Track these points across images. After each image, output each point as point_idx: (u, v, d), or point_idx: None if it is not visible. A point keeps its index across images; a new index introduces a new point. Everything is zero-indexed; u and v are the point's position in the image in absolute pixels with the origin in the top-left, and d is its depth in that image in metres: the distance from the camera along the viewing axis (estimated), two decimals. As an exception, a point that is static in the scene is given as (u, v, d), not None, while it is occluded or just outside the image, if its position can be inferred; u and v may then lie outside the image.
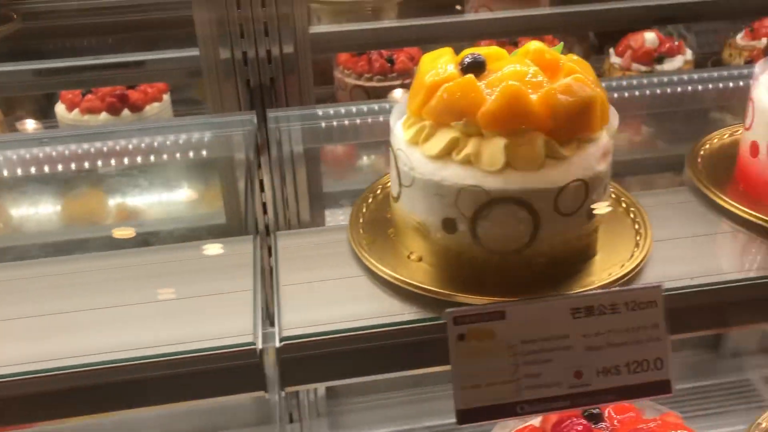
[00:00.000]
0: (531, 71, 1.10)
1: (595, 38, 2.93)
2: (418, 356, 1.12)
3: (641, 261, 1.18)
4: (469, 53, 1.14)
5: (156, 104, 2.43)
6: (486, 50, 1.17)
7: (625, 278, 1.15)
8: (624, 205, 1.33)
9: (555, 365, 1.07)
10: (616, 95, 1.73)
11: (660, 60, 2.58)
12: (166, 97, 2.48)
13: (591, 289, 1.11)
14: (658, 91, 1.79)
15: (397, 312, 1.12)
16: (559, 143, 1.09)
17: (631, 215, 1.31)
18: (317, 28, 2.04)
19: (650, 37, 2.61)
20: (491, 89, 1.09)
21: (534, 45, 1.15)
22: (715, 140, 1.50)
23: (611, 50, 2.69)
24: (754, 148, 1.32)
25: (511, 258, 1.13)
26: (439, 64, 1.14)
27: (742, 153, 1.35)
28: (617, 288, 1.12)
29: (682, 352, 2.38)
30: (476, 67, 1.12)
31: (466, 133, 1.10)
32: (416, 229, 1.18)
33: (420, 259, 1.21)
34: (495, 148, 1.07)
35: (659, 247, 1.23)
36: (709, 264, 1.22)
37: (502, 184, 1.09)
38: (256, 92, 1.61)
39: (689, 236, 1.28)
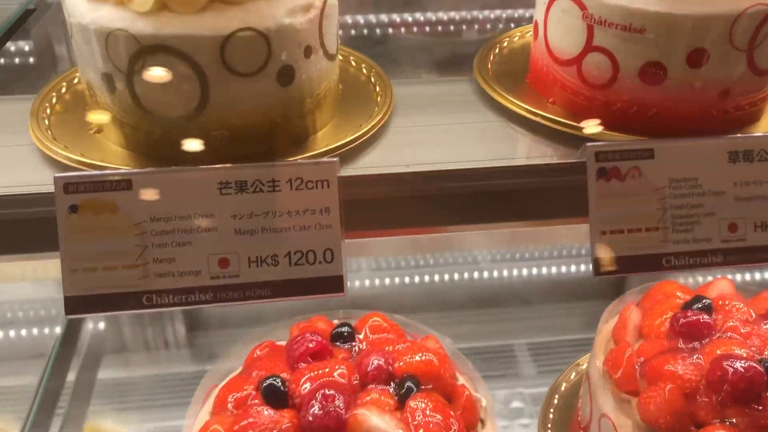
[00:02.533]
0: None
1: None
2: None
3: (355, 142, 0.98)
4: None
5: None
6: None
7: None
8: (373, 81, 1.12)
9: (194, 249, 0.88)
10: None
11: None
12: None
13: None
14: None
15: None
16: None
17: (378, 93, 1.10)
18: None
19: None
20: None
21: None
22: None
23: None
24: (536, 29, 1.10)
25: (182, 126, 0.94)
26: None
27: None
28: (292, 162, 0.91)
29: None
30: None
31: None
32: (88, 94, 1.00)
33: (99, 131, 1.02)
34: (145, -17, 0.88)
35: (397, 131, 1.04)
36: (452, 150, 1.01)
37: (153, 29, 0.89)
38: None
39: (442, 124, 1.07)
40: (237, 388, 1.16)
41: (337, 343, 1.23)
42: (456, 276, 2.21)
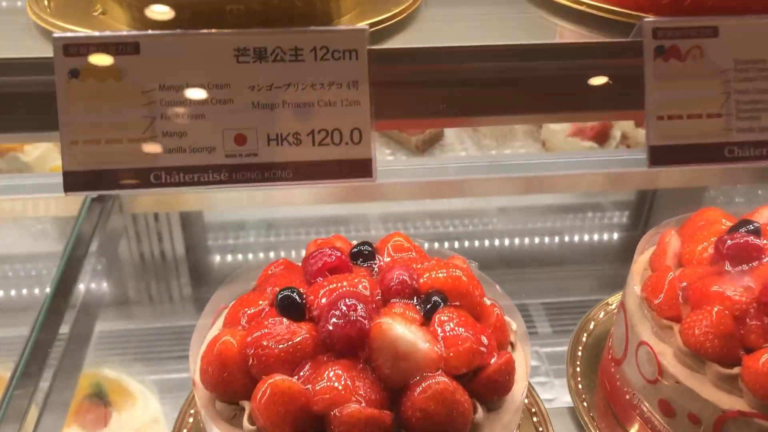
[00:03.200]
0: None
1: None
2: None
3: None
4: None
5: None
6: None
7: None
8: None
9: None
10: None
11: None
12: None
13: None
14: None
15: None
16: None
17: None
18: None
19: None
20: None
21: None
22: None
23: None
24: None
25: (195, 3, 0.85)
26: None
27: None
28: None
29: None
30: None
31: None
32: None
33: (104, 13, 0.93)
34: None
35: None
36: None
37: None
38: None
39: (477, 13, 0.98)
40: (250, 304, 1.08)
41: (357, 262, 1.15)
42: (467, 241, 2.16)
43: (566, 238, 2.27)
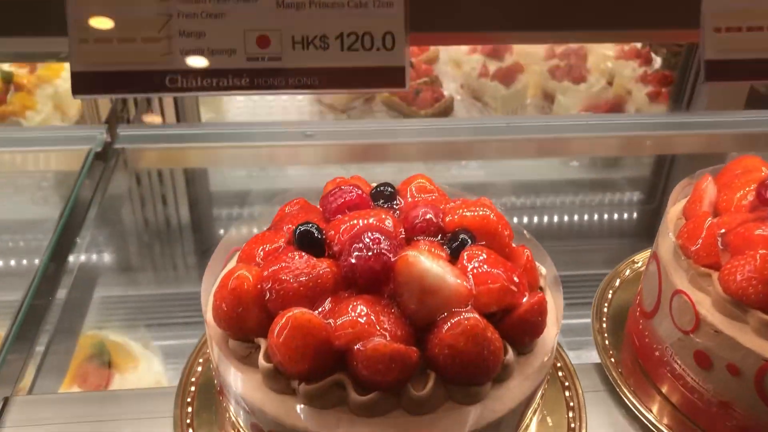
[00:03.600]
0: None
1: None
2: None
3: None
4: None
5: None
6: None
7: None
8: None
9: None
10: None
11: None
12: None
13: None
14: None
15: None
16: None
17: None
18: None
19: None
20: None
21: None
22: None
23: None
24: None
25: None
26: None
27: None
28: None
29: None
30: None
31: None
32: None
33: None
34: None
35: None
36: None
37: None
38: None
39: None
40: (267, 241, 1.02)
41: (378, 203, 1.08)
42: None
43: (583, 212, 2.22)
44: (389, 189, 1.10)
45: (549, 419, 1.11)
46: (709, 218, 1.09)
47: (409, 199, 1.08)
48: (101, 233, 1.88)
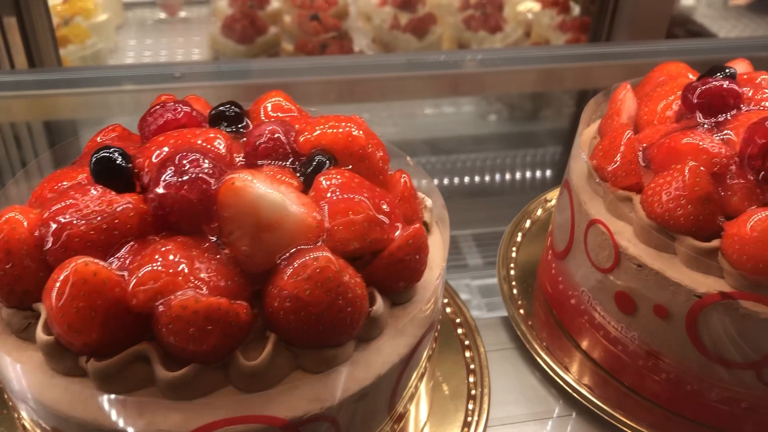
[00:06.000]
0: None
1: None
2: None
3: None
4: None
5: None
6: None
7: None
8: None
9: None
10: None
11: None
12: None
13: None
14: None
15: None
16: None
17: None
18: None
19: None
20: None
21: None
22: None
23: None
24: None
25: None
26: None
27: None
28: None
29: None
30: None
31: None
32: None
33: None
34: None
35: None
36: None
37: None
38: None
39: None
40: (64, 178, 0.77)
41: (219, 127, 0.84)
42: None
43: (497, 169, 2.04)
44: (234, 110, 0.86)
45: (445, 386, 0.91)
46: (629, 131, 0.90)
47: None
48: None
